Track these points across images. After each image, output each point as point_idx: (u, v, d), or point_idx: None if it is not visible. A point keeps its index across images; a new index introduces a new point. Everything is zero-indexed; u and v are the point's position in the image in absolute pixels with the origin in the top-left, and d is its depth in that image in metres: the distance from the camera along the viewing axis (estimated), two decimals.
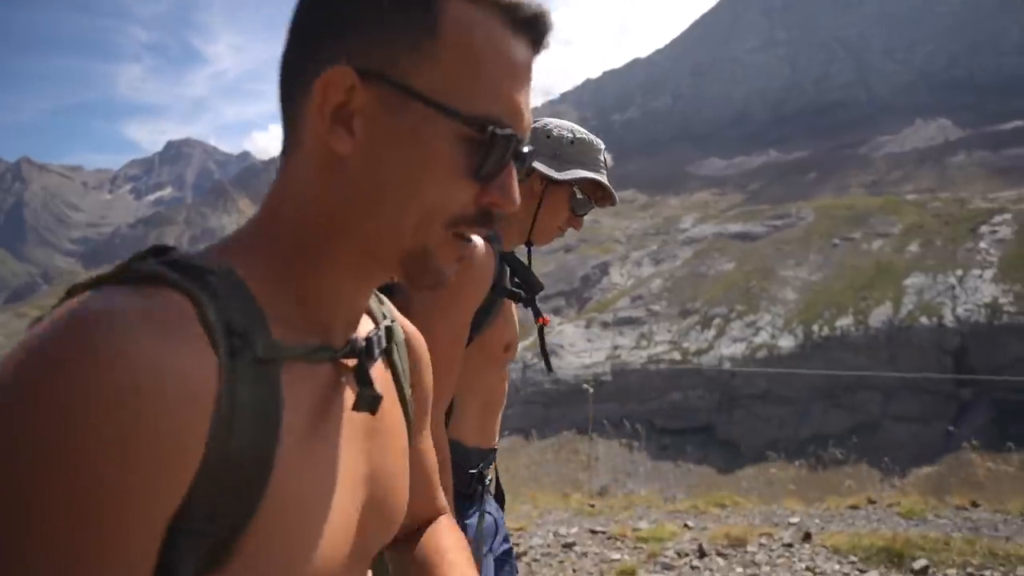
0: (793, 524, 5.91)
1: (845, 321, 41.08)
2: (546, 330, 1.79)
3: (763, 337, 42.19)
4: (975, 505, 6.35)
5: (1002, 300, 38.05)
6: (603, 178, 1.73)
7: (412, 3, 0.57)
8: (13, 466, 0.42)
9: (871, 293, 42.26)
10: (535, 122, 1.73)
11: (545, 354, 1.89)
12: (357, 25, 0.58)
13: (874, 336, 39.31)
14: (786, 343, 41.17)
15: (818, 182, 79.48)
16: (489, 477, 1.73)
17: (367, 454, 0.69)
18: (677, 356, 43.42)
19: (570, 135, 1.72)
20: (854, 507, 6.53)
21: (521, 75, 0.61)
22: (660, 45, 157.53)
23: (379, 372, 0.74)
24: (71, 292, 0.53)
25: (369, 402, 0.64)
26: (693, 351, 43.57)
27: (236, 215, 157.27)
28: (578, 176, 1.68)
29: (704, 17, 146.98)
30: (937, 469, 33.33)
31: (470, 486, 1.63)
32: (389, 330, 0.75)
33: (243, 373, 0.53)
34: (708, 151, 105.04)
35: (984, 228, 45.63)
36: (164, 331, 0.49)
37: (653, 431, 42.36)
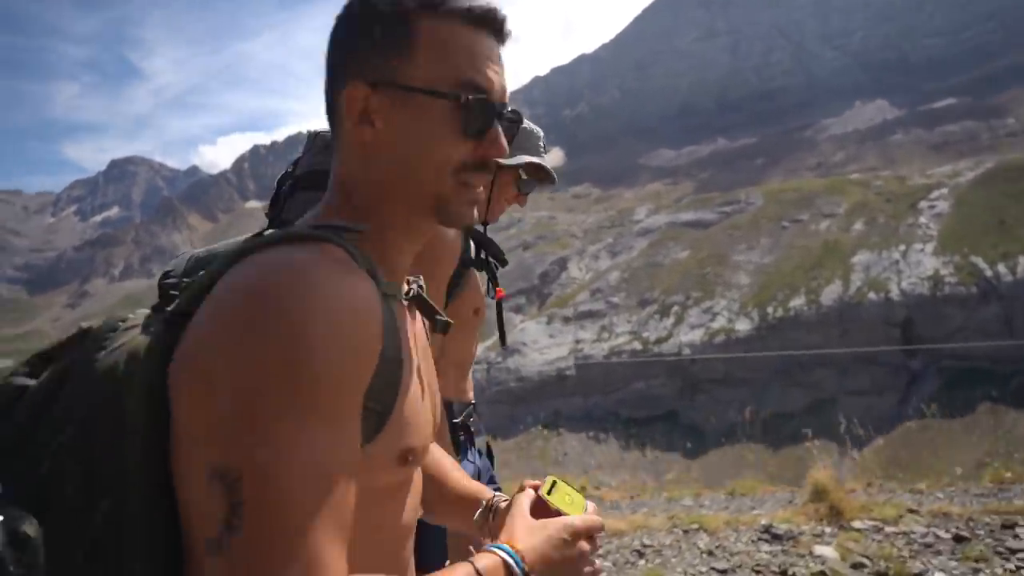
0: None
1: (798, 301, 42.13)
2: (509, 327, 1.94)
3: (720, 322, 42.99)
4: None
5: (943, 272, 39.51)
6: (543, 161, 1.95)
7: (395, 28, 0.81)
8: (307, 356, 0.63)
9: (821, 272, 43.43)
10: None
11: (501, 329, 2.07)
12: (364, 53, 0.81)
13: (826, 314, 40.42)
14: (743, 326, 42.03)
15: (767, 167, 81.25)
16: (473, 428, 1.95)
17: (427, 366, 0.95)
18: (638, 346, 43.94)
19: None
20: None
21: (484, 58, 0.83)
22: (605, 40, 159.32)
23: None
24: (232, 257, 0.71)
25: (443, 326, 0.96)
26: (653, 340, 44.15)
27: (187, 231, 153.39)
28: (522, 161, 1.91)
29: (646, 11, 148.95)
30: (892, 438, 34.49)
31: (455, 435, 1.84)
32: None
33: (383, 298, 0.76)
34: (658, 142, 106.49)
35: (923, 203, 47.30)
36: (349, 270, 0.71)
37: (619, 422, 42.89)
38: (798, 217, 50.83)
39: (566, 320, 49.26)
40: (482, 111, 0.82)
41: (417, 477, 0.92)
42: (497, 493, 1.16)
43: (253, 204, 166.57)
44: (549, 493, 0.99)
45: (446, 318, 0.95)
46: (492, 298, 2.00)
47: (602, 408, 42.60)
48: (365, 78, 0.80)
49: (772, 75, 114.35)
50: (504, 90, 0.86)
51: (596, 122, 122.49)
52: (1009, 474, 6.35)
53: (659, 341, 43.94)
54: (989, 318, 36.59)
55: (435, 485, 1.12)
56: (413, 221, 0.86)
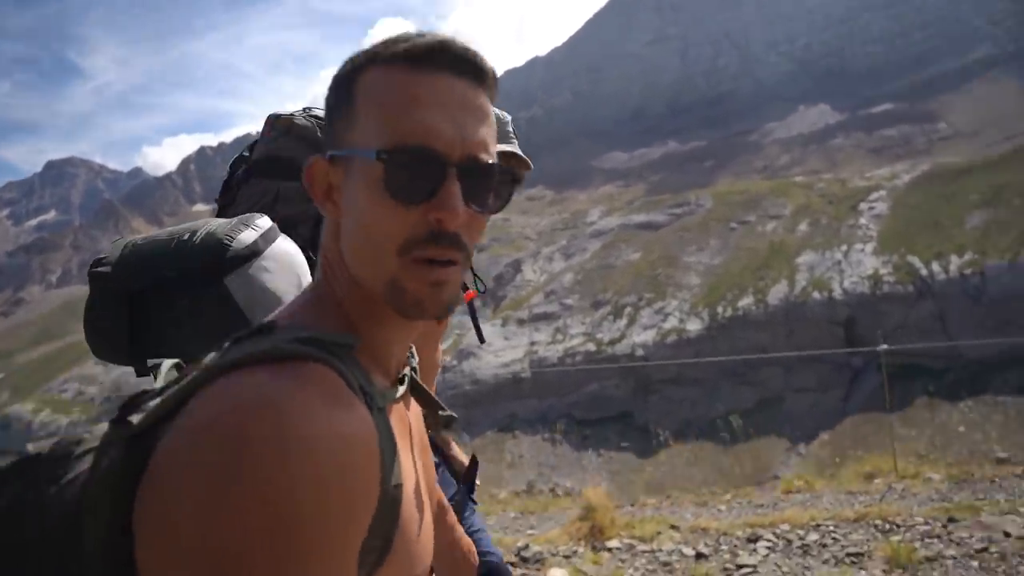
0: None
1: (746, 301, 43.11)
2: (464, 330, 1.85)
3: (672, 322, 43.69)
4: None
5: (882, 271, 40.96)
6: (514, 148, 1.81)
7: (340, 90, 0.73)
8: (293, 524, 0.52)
9: (768, 273, 44.54)
10: None
11: (476, 326, 2.04)
12: (326, 124, 0.75)
13: (773, 313, 41.48)
14: (693, 326, 42.79)
15: (715, 169, 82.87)
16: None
17: (425, 463, 0.85)
18: (592, 348, 44.34)
19: None
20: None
21: (429, 100, 0.69)
22: (558, 43, 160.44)
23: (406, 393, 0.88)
24: (210, 373, 0.60)
25: (449, 421, 0.86)
26: (607, 341, 44.60)
27: (130, 236, 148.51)
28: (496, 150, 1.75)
29: (598, 15, 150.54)
30: (835, 434, 35.59)
31: None
32: (410, 354, 0.90)
33: (377, 422, 0.65)
34: (610, 145, 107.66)
35: (863, 205, 48.97)
36: (336, 402, 0.60)
37: (573, 423, 43.19)
38: (745, 219, 52.03)
39: (520, 322, 49.38)
40: (419, 168, 0.68)
41: None
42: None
43: (200, 207, 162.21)
44: None
45: (448, 412, 0.86)
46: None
47: (556, 410, 42.82)
48: (324, 151, 0.74)
49: (720, 80, 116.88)
50: (471, 140, 0.71)
51: (549, 124, 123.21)
52: (801, 482, 6.57)
53: (612, 342, 44.39)
54: (924, 315, 38.06)
55: None
56: (389, 312, 0.74)
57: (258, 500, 0.51)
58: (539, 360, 45.01)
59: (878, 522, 4.89)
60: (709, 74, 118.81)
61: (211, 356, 0.65)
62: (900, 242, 42.78)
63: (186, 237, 1.06)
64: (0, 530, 0.63)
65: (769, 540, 4.64)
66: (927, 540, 4.49)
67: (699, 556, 4.44)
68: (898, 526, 4.81)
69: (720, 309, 43.09)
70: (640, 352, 42.49)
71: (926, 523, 4.69)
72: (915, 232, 42.95)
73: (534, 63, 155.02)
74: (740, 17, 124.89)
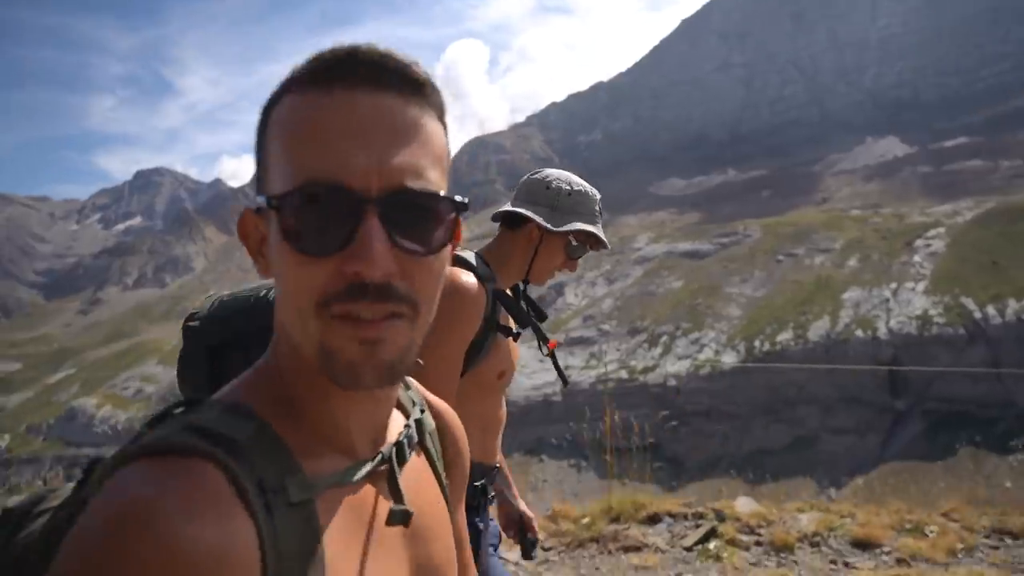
0: None
1: (785, 336, 41.84)
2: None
3: (707, 353, 42.79)
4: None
5: (932, 312, 39.08)
6: (597, 229, 1.85)
7: (258, 128, 0.62)
8: None
9: (811, 308, 43.14)
10: (536, 173, 1.95)
11: (559, 371, 2.02)
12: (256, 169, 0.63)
13: (812, 350, 40.07)
14: (728, 359, 41.78)
15: (772, 199, 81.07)
16: (492, 492, 1.91)
17: (409, 559, 0.69)
18: (625, 375, 43.82)
19: (568, 187, 1.87)
20: None
21: (334, 125, 0.56)
22: (622, 68, 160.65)
23: (417, 465, 0.75)
24: (116, 463, 0.54)
25: (401, 518, 0.64)
26: (640, 369, 44.02)
27: (203, 243, 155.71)
28: (575, 228, 1.82)
29: (664, 41, 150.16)
30: (871, 479, 33.94)
31: (474, 498, 1.79)
32: (419, 422, 0.77)
33: (281, 523, 0.55)
34: (669, 171, 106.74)
35: (919, 242, 46.94)
36: (202, 512, 0.50)
37: (600, 450, 42.72)
38: (793, 251, 50.63)
39: (557, 345, 49.34)
40: (324, 212, 0.56)
41: None
42: None
43: None
44: None
45: (405, 509, 0.64)
46: (545, 354, 1.95)
47: (585, 436, 42.49)
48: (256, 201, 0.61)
49: (785, 108, 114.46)
50: (394, 166, 0.57)
51: (609, 149, 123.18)
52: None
53: (646, 371, 43.78)
54: (976, 361, 36.05)
55: None
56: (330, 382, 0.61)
57: None
58: (571, 384, 44.74)
59: None
60: (774, 102, 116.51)
61: (140, 428, 0.60)
62: (954, 282, 40.78)
63: (263, 293, 1.12)
64: None
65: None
66: None
67: None
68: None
69: (758, 343, 41.96)
70: (672, 383, 41.76)
71: None
72: (971, 272, 40.87)
73: (598, 88, 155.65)
74: (809, 45, 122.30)
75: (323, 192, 0.55)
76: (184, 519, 0.49)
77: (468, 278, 1.66)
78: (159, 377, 73.15)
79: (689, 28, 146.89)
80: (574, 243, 1.85)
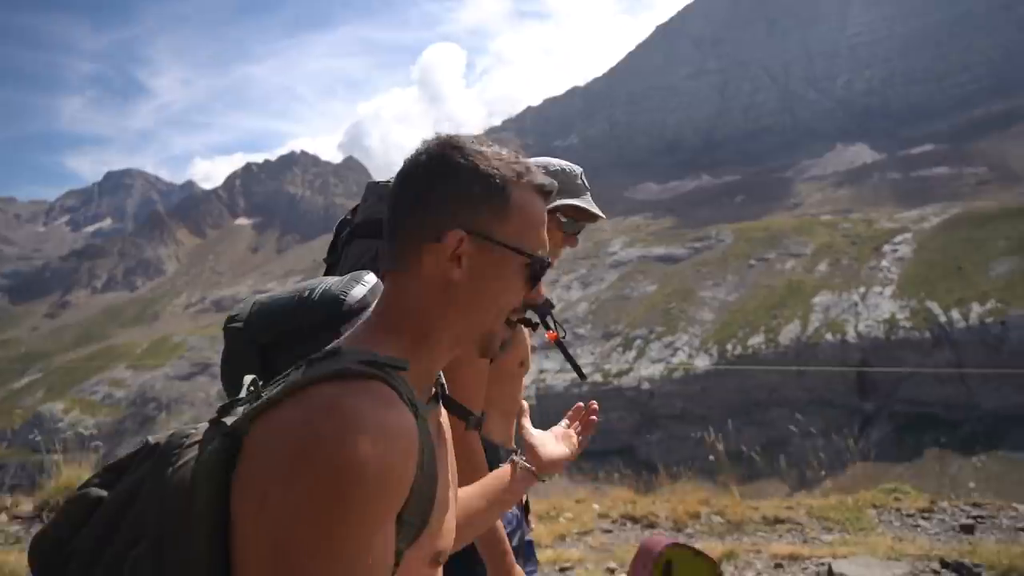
0: None
1: (757, 339, 42.33)
2: None
3: (680, 357, 43.12)
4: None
5: (899, 316, 39.83)
6: (583, 202, 1.95)
7: (494, 191, 0.95)
8: (346, 497, 0.73)
9: (782, 312, 43.70)
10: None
11: (572, 362, 2.09)
12: (465, 203, 0.94)
13: (783, 353, 40.60)
14: (702, 363, 42.16)
15: (745, 205, 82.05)
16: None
17: (451, 462, 1.07)
18: (599, 378, 43.99)
19: (544, 170, 2.00)
20: None
21: (544, 223, 1.00)
22: (598, 73, 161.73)
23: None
24: (293, 386, 0.81)
25: (476, 423, 1.11)
26: (614, 373, 44.23)
27: (174, 246, 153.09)
28: (559, 204, 1.91)
29: (639, 47, 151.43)
30: (840, 481, 34.43)
31: None
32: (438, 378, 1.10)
33: (420, 426, 0.85)
34: (644, 176, 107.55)
35: (887, 247, 47.83)
36: (393, 410, 0.80)
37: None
38: (765, 256, 51.27)
39: (531, 350, 49.35)
40: (542, 268, 0.98)
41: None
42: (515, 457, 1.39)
43: (242, 221, 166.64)
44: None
45: (476, 415, 1.10)
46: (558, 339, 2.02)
47: None
48: (461, 225, 0.93)
49: (758, 115, 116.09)
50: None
51: (585, 153, 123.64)
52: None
53: (620, 374, 44.00)
54: (941, 364, 36.81)
55: (479, 502, 1.33)
56: (455, 350, 0.98)
57: (322, 471, 0.72)
58: (546, 388, 44.83)
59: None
60: (747, 109, 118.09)
61: (292, 373, 0.85)
62: (920, 287, 41.61)
63: (306, 294, 1.23)
64: (130, 498, 0.86)
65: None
66: None
67: None
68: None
69: (730, 347, 42.39)
70: (646, 386, 42.01)
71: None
72: (937, 277, 41.73)
73: (574, 92, 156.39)
74: (781, 53, 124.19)
75: (545, 263, 0.98)
76: (385, 409, 0.79)
77: None
78: (128, 382, 71.81)
79: (664, 34, 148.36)
80: (563, 219, 1.93)
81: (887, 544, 5.09)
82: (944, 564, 4.58)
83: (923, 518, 6.13)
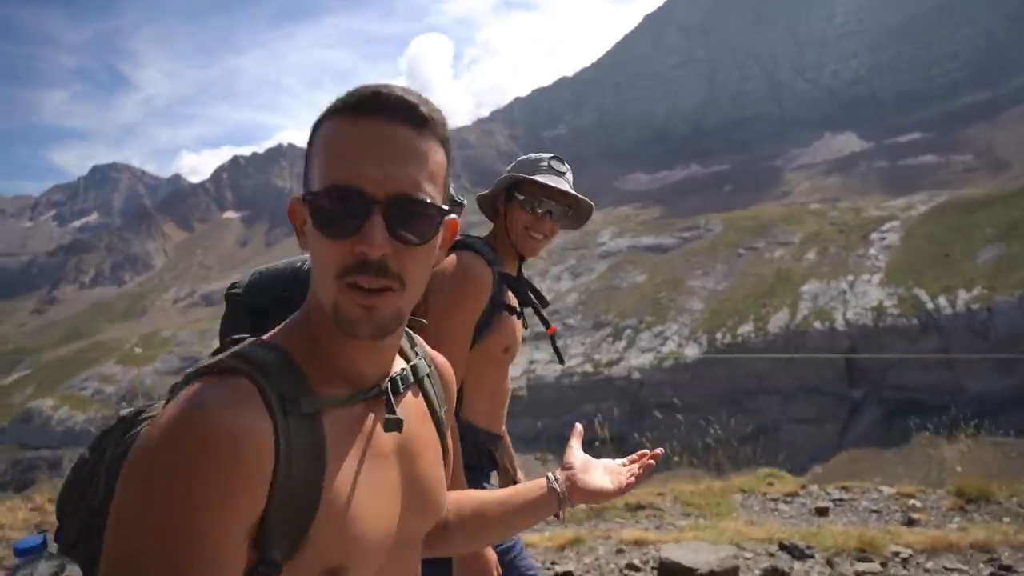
0: None
1: (746, 328, 42.58)
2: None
3: (670, 346, 43.33)
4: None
5: (887, 303, 40.17)
6: (541, 177, 1.93)
7: (309, 138, 0.84)
8: (170, 486, 0.69)
9: (771, 300, 43.96)
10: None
11: (557, 352, 2.29)
12: (306, 167, 0.85)
13: (772, 341, 40.90)
14: (691, 351, 42.38)
15: (734, 194, 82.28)
16: (497, 457, 2.04)
17: (400, 465, 0.93)
18: (590, 368, 44.15)
19: (513, 162, 2.06)
20: None
21: (358, 146, 0.79)
22: (586, 63, 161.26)
23: (411, 400, 0.98)
24: (186, 380, 0.79)
25: (393, 425, 0.87)
26: (605, 363, 44.39)
27: (162, 240, 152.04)
28: (509, 181, 1.97)
29: (627, 37, 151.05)
30: (830, 466, 34.81)
31: (478, 459, 1.95)
32: (414, 367, 0.99)
33: (295, 425, 0.77)
34: (633, 166, 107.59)
35: (874, 235, 48.16)
36: (233, 407, 0.73)
37: (566, 444, 42.99)
38: (754, 245, 51.49)
39: (522, 340, 49.45)
40: (342, 206, 0.78)
41: None
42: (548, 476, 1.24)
43: (230, 215, 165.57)
44: None
45: (395, 418, 0.88)
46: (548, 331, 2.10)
47: (551, 430, 42.67)
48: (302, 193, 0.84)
49: (746, 104, 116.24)
50: (398, 179, 0.79)
51: (574, 144, 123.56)
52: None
53: (610, 364, 44.17)
54: (928, 350, 37.18)
55: (496, 509, 1.20)
56: (334, 332, 0.84)
57: (158, 470, 0.70)
58: (536, 379, 44.94)
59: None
60: (735, 98, 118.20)
61: (209, 355, 0.84)
62: (908, 274, 41.96)
63: (299, 265, 1.28)
64: (100, 458, 0.99)
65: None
66: None
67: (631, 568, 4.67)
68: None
69: (720, 335, 42.63)
70: (636, 376, 42.21)
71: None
72: (924, 264, 42.09)
73: (562, 83, 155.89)
74: (768, 42, 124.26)
75: (344, 193, 0.78)
76: (221, 409, 0.72)
77: (475, 261, 1.86)
78: (118, 377, 71.38)
79: (652, 23, 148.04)
80: (521, 197, 1.95)
81: (735, 528, 5.18)
82: (782, 547, 4.69)
83: (785, 502, 6.28)
